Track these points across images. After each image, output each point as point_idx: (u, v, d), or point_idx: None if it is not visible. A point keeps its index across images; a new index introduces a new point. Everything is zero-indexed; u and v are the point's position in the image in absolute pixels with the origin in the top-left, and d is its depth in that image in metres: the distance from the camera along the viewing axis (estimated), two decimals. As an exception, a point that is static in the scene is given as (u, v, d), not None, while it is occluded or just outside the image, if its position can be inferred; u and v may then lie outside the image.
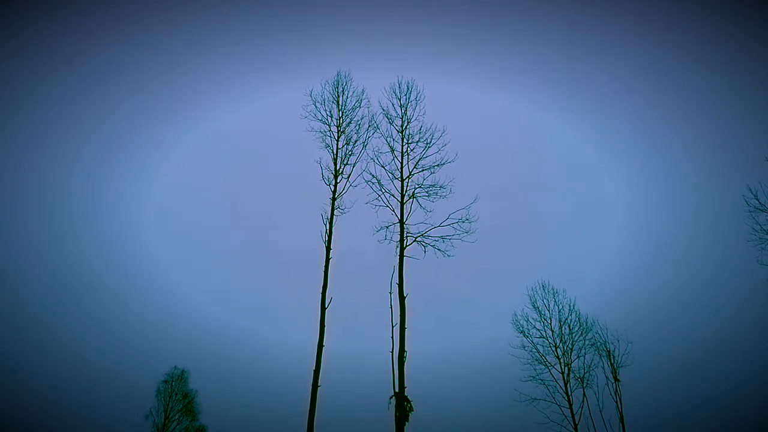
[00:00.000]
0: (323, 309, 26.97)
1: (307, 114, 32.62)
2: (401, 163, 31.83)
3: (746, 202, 29.19)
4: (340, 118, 32.78)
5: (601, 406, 33.54)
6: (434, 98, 33.47)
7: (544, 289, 38.04)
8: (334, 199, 30.42)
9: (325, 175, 31.10)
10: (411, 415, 24.52)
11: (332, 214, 29.85)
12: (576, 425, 33.15)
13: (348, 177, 31.19)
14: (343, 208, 30.31)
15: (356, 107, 32.97)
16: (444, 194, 30.56)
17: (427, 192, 30.79)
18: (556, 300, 37.59)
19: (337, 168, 31.37)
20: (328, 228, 29.33)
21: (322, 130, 32.35)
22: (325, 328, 26.55)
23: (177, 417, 42.02)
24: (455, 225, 29.63)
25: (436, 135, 31.66)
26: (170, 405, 42.32)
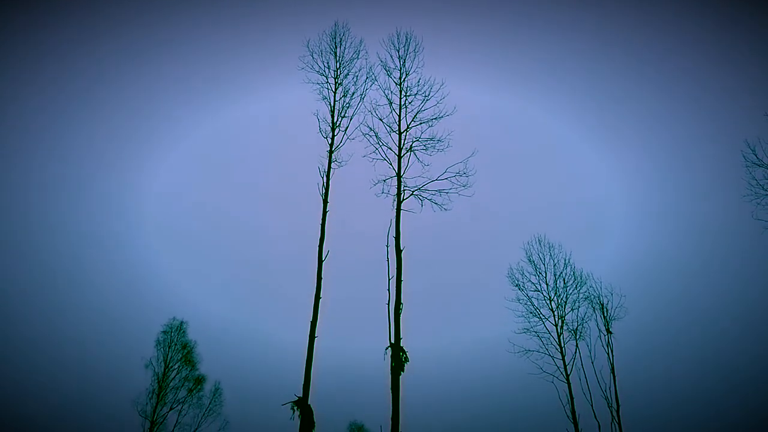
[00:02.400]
0: (320, 262, 27.14)
1: (305, 65, 32.20)
2: (399, 116, 31.63)
3: (744, 157, 29.14)
4: (337, 69, 32.37)
5: (593, 357, 34.19)
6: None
7: (539, 243, 38.29)
8: (331, 152, 30.27)
9: (322, 128, 30.92)
10: (406, 365, 24.98)
11: (329, 167, 29.76)
12: (568, 375, 33.83)
13: (345, 130, 30.99)
14: (340, 161, 30.22)
15: (354, 58, 32.53)
16: (442, 148, 30.46)
17: (424, 145, 30.68)
18: (552, 254, 37.88)
19: (334, 120, 31.14)
20: (325, 181, 29.29)
21: (319, 82, 32.00)
22: (322, 280, 26.76)
23: (176, 366, 42.74)
24: (452, 179, 29.65)
25: (434, 88, 31.37)
26: (170, 355, 43.00)
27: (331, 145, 30.47)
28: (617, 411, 32.85)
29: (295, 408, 23.89)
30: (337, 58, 32.54)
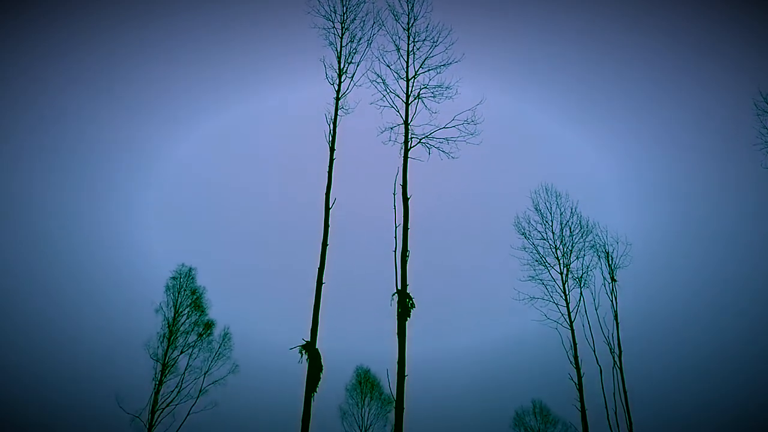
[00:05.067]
0: (327, 209, 27.22)
1: (311, 9, 31.50)
2: (407, 62, 31.11)
3: (755, 104, 28.77)
4: (344, 13, 31.68)
5: (596, 305, 34.63)
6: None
7: (547, 192, 38.27)
8: (337, 98, 29.95)
9: (329, 74, 30.48)
10: (412, 311, 25.34)
11: (336, 114, 29.50)
12: (572, 322, 34.35)
13: (352, 76, 30.55)
14: (346, 108, 29.92)
15: (361, 2, 31.73)
16: (450, 95, 30.04)
17: (432, 93, 30.26)
18: (559, 203, 37.91)
19: (341, 66, 30.68)
20: (331, 128, 29.07)
21: (325, 27, 31.34)
22: (329, 228, 26.88)
23: (186, 311, 43.48)
24: (460, 127, 29.36)
25: (443, 33, 30.74)
26: (179, 300, 43.68)
27: (338, 91, 30.13)
28: (619, 357, 33.46)
29: (303, 352, 24.41)
30: (344, 2, 31.83)
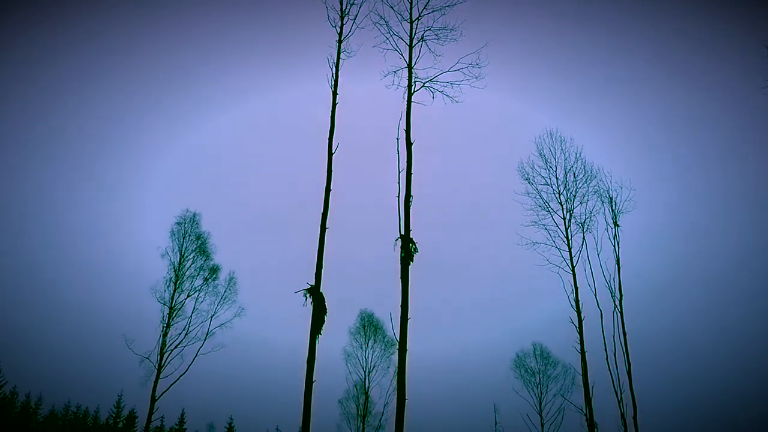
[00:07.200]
0: (330, 154, 27.07)
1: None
2: (410, 3, 30.30)
3: (766, 47, 28.11)
4: (345, -48, 30.66)
5: (599, 250, 34.84)
6: None
7: (551, 137, 37.91)
8: (340, 41, 29.36)
9: (331, 16, 29.79)
10: (415, 256, 25.55)
11: (338, 58, 28.95)
12: (574, 267, 34.61)
13: (354, 18, 29.85)
14: (349, 51, 29.36)
15: (363, -61, 30.70)
16: (454, 37, 29.35)
17: (436, 35, 29.55)
18: (563, 148, 37.61)
19: (343, 8, 29.95)
20: (334, 72, 28.58)
21: (326, -34, 30.41)
22: (332, 173, 26.82)
23: (191, 256, 43.97)
24: (465, 70, 28.85)
25: (447, -28, 29.80)
26: (184, 245, 44.10)
27: (340, 34, 29.51)
28: (620, 300, 33.87)
29: (308, 295, 24.76)
30: (346, -60, 30.78)
